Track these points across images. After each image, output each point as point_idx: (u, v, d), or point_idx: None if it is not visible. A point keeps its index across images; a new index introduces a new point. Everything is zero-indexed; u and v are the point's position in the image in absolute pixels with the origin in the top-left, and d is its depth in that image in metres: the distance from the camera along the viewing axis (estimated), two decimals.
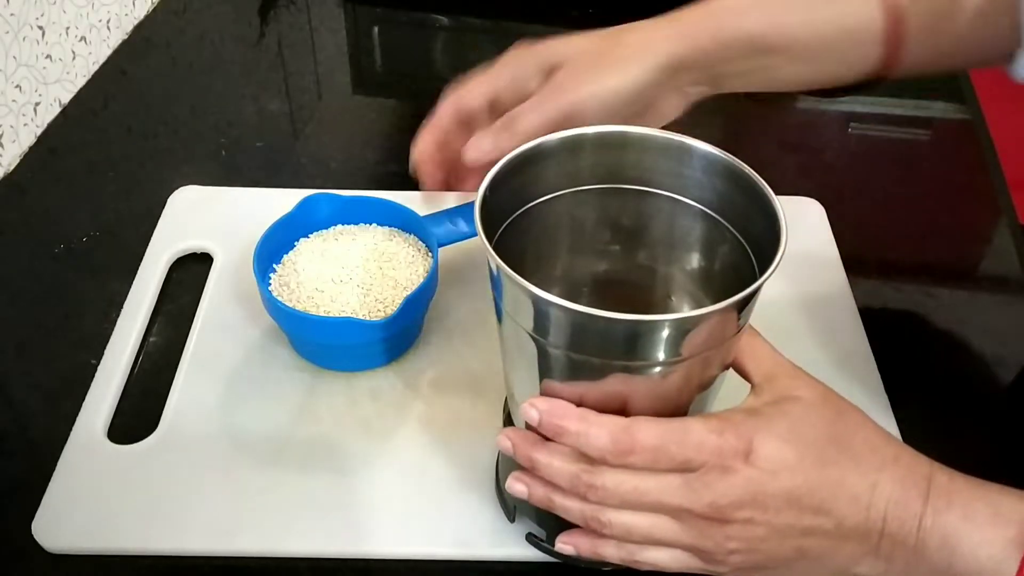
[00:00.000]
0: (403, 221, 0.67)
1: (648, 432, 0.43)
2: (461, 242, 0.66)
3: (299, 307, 0.62)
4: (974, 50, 0.59)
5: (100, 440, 0.60)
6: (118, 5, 0.95)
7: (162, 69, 0.95)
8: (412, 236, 0.67)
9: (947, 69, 0.61)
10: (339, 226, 0.67)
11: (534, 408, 0.45)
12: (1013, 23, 0.55)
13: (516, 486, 0.48)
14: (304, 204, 0.66)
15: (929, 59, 0.60)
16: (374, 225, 0.68)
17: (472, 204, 0.46)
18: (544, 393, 0.46)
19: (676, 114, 0.61)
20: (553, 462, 0.46)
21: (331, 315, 0.61)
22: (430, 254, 0.65)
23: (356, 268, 0.64)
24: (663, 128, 0.51)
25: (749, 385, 0.48)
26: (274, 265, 0.65)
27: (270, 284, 0.64)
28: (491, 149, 0.57)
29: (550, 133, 0.50)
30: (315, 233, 0.67)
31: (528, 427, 0.47)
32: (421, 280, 0.63)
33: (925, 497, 0.44)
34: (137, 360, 0.65)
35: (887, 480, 0.44)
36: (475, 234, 0.45)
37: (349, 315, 0.61)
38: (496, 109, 0.60)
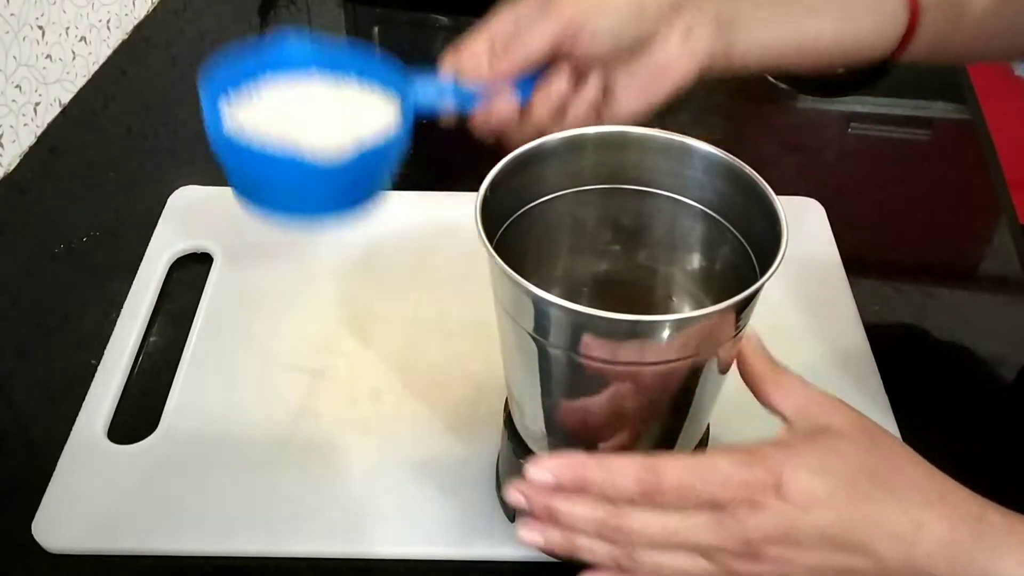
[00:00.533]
0: (384, 77, 0.58)
1: (673, 470, 0.42)
2: (461, 242, 0.65)
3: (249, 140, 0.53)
4: (992, 37, 0.57)
5: (100, 440, 0.60)
6: (118, 5, 0.95)
7: (162, 69, 0.95)
8: (392, 93, 0.58)
9: (961, 56, 0.59)
10: (312, 70, 0.58)
11: (547, 472, 0.42)
12: None
13: (529, 536, 0.44)
14: (277, 40, 0.58)
15: (944, 40, 0.58)
16: (350, 75, 0.59)
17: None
18: (545, 393, 0.46)
19: (680, 76, 0.56)
20: (575, 510, 0.43)
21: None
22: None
23: (319, 117, 0.57)
24: (664, 123, 0.50)
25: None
26: (229, 93, 0.56)
27: (220, 111, 0.55)
28: (486, 72, 0.54)
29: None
30: (284, 71, 0.58)
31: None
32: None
33: (977, 538, 0.42)
34: (137, 360, 0.65)
35: (934, 519, 0.42)
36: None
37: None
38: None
